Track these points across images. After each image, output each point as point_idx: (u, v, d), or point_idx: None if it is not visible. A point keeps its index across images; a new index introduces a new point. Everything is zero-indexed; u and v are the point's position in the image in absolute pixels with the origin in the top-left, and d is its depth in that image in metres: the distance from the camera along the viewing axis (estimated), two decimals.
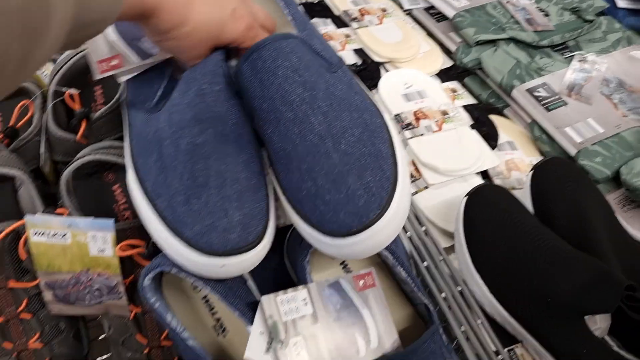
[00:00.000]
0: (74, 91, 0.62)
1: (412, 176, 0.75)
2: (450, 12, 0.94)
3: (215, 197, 0.45)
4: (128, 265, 0.55)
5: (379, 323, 0.51)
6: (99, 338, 0.64)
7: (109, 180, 0.62)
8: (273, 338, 0.48)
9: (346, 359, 0.49)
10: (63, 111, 0.65)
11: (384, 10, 0.97)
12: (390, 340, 0.51)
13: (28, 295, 0.56)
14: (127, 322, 0.57)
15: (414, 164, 0.76)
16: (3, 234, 0.53)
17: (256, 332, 0.49)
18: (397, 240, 0.55)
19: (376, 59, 0.89)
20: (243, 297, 0.51)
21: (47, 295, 0.56)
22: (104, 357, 0.64)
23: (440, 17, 0.97)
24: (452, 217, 0.69)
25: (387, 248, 0.53)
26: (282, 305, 0.49)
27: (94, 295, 0.56)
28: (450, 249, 0.69)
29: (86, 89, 0.67)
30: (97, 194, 0.61)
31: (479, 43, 0.89)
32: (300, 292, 0.50)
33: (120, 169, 0.62)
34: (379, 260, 0.57)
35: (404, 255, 0.54)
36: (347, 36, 0.92)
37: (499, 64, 0.85)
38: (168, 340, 0.58)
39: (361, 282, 0.52)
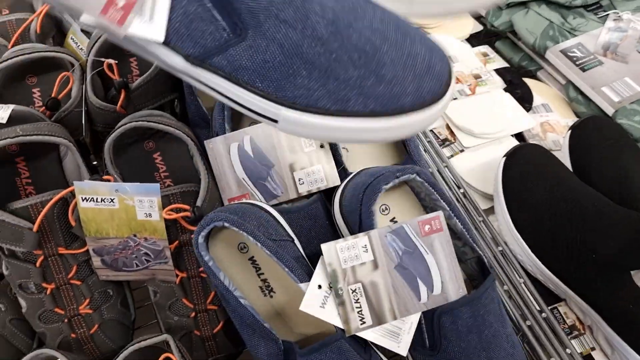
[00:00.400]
0: (112, 61, 0.62)
1: (446, 140, 0.74)
2: None
3: (396, 60, 0.35)
4: (173, 231, 0.56)
5: (444, 269, 0.51)
6: (145, 305, 0.65)
7: (149, 149, 0.63)
8: (331, 286, 0.49)
9: (405, 304, 0.50)
10: (100, 83, 0.66)
11: None
12: (454, 286, 0.51)
13: (77, 262, 0.57)
14: (173, 287, 0.58)
15: (448, 127, 0.75)
16: (52, 201, 0.53)
17: (314, 285, 0.49)
18: (447, 196, 0.55)
19: None
20: (291, 254, 0.52)
21: (96, 262, 0.57)
22: (150, 323, 0.65)
23: None
24: (490, 179, 0.69)
25: (443, 199, 0.54)
26: (342, 252, 0.49)
27: (141, 261, 0.56)
28: (489, 211, 0.69)
29: (122, 61, 0.67)
30: (139, 162, 0.62)
31: (509, 5, 0.88)
32: (361, 239, 0.50)
33: (161, 137, 0.62)
34: None
35: (458, 209, 0.54)
36: None
37: (531, 26, 0.84)
38: (214, 304, 0.59)
39: (427, 227, 0.52)
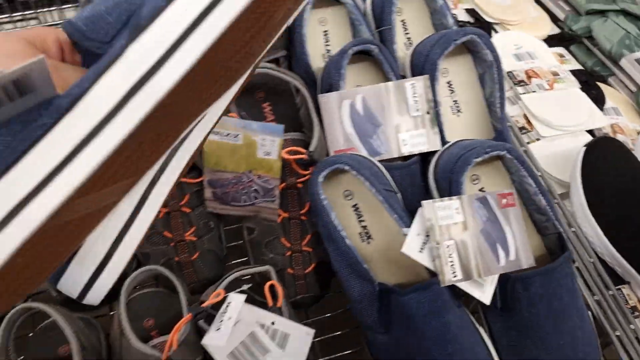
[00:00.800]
0: None
1: (523, 128, 0.79)
2: None
3: None
4: (282, 173, 0.60)
5: (517, 240, 0.56)
6: (233, 244, 0.70)
7: (259, 98, 0.67)
8: (429, 238, 0.54)
9: (487, 265, 0.54)
10: None
11: None
12: (525, 256, 0.56)
13: (190, 191, 0.61)
14: (273, 226, 0.63)
15: (525, 117, 0.80)
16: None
17: (414, 232, 0.54)
18: (534, 174, 0.59)
19: (487, 19, 0.93)
20: (396, 204, 0.56)
21: (207, 193, 0.61)
22: (234, 262, 0.70)
23: None
24: (563, 168, 0.73)
25: (531, 176, 0.58)
26: (439, 210, 0.54)
27: (249, 197, 0.61)
28: (563, 196, 0.73)
29: None
30: (251, 109, 0.66)
31: (588, 12, 0.93)
32: (454, 202, 0.55)
33: (270, 88, 0.67)
34: (518, 189, 0.61)
35: (543, 187, 0.59)
36: None
37: (609, 33, 0.88)
38: (308, 246, 0.63)
39: (504, 201, 0.56)
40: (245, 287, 0.55)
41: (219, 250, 0.66)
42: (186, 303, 0.57)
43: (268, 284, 0.56)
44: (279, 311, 0.55)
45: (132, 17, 0.33)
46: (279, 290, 0.56)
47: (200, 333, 0.55)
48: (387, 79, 0.65)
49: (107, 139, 0.31)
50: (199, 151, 0.40)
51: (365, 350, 0.64)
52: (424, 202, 0.54)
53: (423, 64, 0.64)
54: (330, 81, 0.63)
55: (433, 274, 0.58)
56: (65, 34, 0.35)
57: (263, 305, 0.56)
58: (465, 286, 0.55)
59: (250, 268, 0.59)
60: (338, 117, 0.62)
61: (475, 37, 0.63)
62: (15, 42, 0.33)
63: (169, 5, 0.31)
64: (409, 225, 0.55)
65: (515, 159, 0.58)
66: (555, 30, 0.96)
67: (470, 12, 0.94)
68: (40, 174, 0.29)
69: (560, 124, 0.77)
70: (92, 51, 0.33)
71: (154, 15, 0.31)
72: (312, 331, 0.53)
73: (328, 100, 0.62)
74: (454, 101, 0.68)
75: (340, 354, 0.64)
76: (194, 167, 0.61)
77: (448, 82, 0.68)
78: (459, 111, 0.68)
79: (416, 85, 0.62)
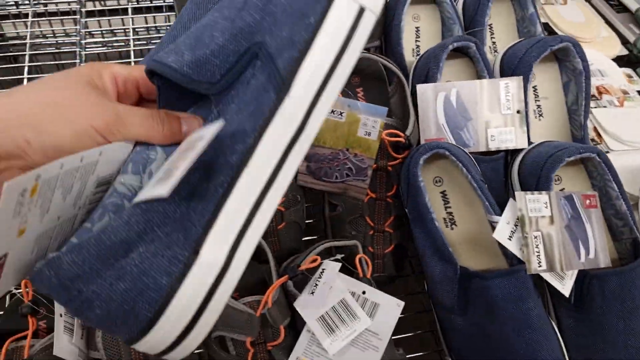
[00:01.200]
0: None
1: (593, 140, 0.82)
2: (633, 6, 1.01)
3: None
4: (380, 153, 0.63)
5: (597, 239, 0.59)
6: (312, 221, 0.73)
7: (355, 82, 0.71)
8: (518, 228, 0.56)
9: (569, 259, 0.57)
10: None
11: None
12: (603, 256, 0.59)
13: None
14: (359, 204, 0.66)
15: (595, 130, 0.83)
16: None
17: (504, 220, 0.57)
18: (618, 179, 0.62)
19: (559, 34, 0.96)
20: (487, 193, 0.59)
21: (302, 166, 0.64)
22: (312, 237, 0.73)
23: (620, 8, 1.04)
24: (633, 181, 0.76)
25: (615, 181, 0.61)
26: (530, 203, 0.57)
27: (341, 174, 0.64)
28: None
29: None
30: (345, 91, 0.70)
31: None
32: (544, 196, 0.58)
33: (366, 75, 0.70)
34: (598, 193, 0.64)
35: (625, 192, 0.61)
36: None
37: None
38: (390, 228, 0.66)
39: (587, 201, 0.59)
40: (339, 256, 0.58)
41: (302, 224, 0.69)
42: (275, 267, 0.60)
43: (358, 256, 0.59)
44: (368, 282, 0.58)
45: (252, 61, 0.37)
46: (369, 262, 0.59)
47: (288, 297, 0.58)
48: (479, 77, 0.68)
49: (279, 185, 0.36)
50: None
51: (426, 334, 0.67)
52: (517, 193, 0.57)
53: (516, 65, 0.67)
54: (426, 73, 0.66)
55: (512, 264, 0.61)
56: (138, 71, 0.38)
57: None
58: (548, 277, 0.58)
59: (338, 241, 0.62)
60: (433, 107, 0.65)
61: (570, 45, 0.66)
62: (76, 86, 0.34)
63: (306, 57, 0.35)
64: (497, 214, 0.58)
65: (604, 162, 0.60)
66: (624, 52, 0.98)
67: (544, 25, 0.97)
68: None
69: (630, 139, 0.80)
70: (179, 88, 0.37)
71: (294, 69, 0.35)
72: (402, 303, 0.56)
73: (425, 90, 0.65)
74: (537, 105, 0.71)
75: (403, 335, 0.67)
76: None
77: (534, 87, 0.71)
78: (540, 115, 0.71)
79: (510, 85, 0.65)
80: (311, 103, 0.36)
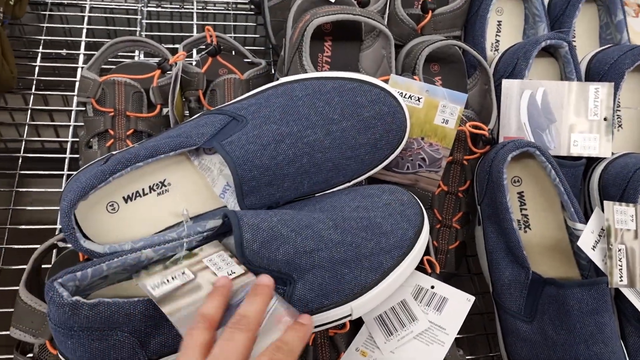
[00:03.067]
0: None
1: None
2: None
3: None
4: (452, 147, 0.61)
5: None
6: None
7: (433, 70, 0.68)
8: (601, 239, 0.54)
9: None
10: None
11: (639, 5, 1.01)
12: None
13: None
14: (429, 196, 0.63)
15: None
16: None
17: (589, 229, 0.55)
18: None
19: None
20: (573, 198, 0.57)
21: None
22: None
23: None
24: None
25: None
26: (617, 214, 0.54)
27: (414, 165, 0.62)
28: None
29: None
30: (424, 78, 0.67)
31: None
32: (631, 209, 0.55)
33: (446, 63, 0.67)
34: None
35: None
36: None
37: None
38: (458, 223, 0.64)
39: None
40: None
41: None
42: None
43: (426, 258, 0.57)
44: (437, 277, 0.55)
45: None
46: (436, 264, 0.56)
47: None
48: (566, 78, 0.65)
49: None
50: None
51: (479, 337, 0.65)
52: (605, 202, 0.55)
53: (606, 71, 0.65)
54: (513, 68, 0.64)
55: (584, 275, 0.58)
56: None
57: None
58: (627, 292, 0.55)
59: None
60: (516, 104, 0.63)
61: None
62: None
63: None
64: (581, 222, 0.56)
65: None
66: None
67: None
68: None
69: None
70: None
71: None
72: (472, 298, 0.54)
73: (511, 86, 0.62)
74: (617, 115, 0.69)
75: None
76: None
77: (618, 95, 0.68)
78: (620, 126, 0.69)
79: (600, 91, 0.62)
80: None
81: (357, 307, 0.47)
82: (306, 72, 0.55)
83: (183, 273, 0.42)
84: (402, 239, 0.49)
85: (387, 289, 0.48)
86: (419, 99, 0.58)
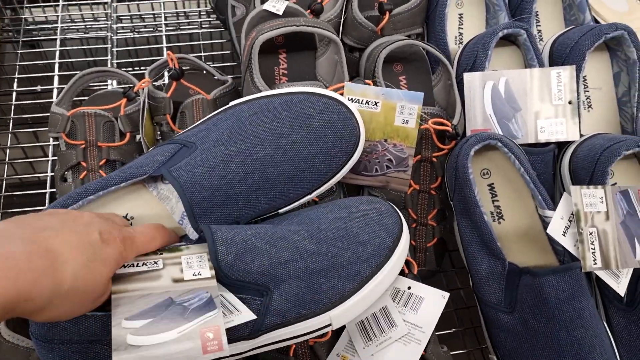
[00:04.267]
0: None
1: None
2: None
3: None
4: (419, 145, 0.61)
5: None
6: None
7: (397, 70, 0.68)
8: (572, 223, 0.54)
9: (625, 257, 0.55)
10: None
11: None
12: None
13: None
14: (401, 196, 0.63)
15: None
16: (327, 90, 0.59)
17: (558, 215, 0.55)
18: None
19: (602, 23, 0.93)
20: (540, 186, 0.57)
21: None
22: None
23: None
24: None
25: None
26: (585, 197, 0.54)
27: (381, 166, 0.62)
28: None
29: None
30: (388, 79, 0.67)
31: None
32: (599, 191, 0.55)
33: (408, 64, 0.68)
34: None
35: None
36: None
37: None
38: (433, 220, 0.64)
39: None
40: None
41: None
42: None
43: None
44: (414, 278, 0.56)
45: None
46: (414, 263, 0.57)
47: None
48: (528, 66, 0.65)
49: None
50: None
51: (468, 331, 0.65)
52: (572, 187, 0.55)
53: (567, 54, 0.64)
54: (473, 61, 0.64)
55: (561, 260, 0.58)
56: None
57: None
58: (603, 275, 0.55)
59: None
60: (480, 96, 0.63)
61: (625, 33, 0.63)
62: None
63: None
64: (550, 209, 0.56)
65: None
66: None
67: None
68: None
69: None
70: None
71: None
72: (446, 294, 0.54)
73: (472, 79, 0.63)
74: (586, 97, 0.68)
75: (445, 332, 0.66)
76: None
77: (583, 77, 0.68)
78: (589, 107, 0.68)
79: (562, 75, 0.62)
80: (262, 346, 0.47)
81: (336, 317, 0.47)
82: (258, 89, 0.56)
83: (155, 262, 0.43)
84: (380, 247, 0.49)
85: (366, 297, 0.48)
86: (376, 104, 0.58)
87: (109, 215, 0.44)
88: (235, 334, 0.43)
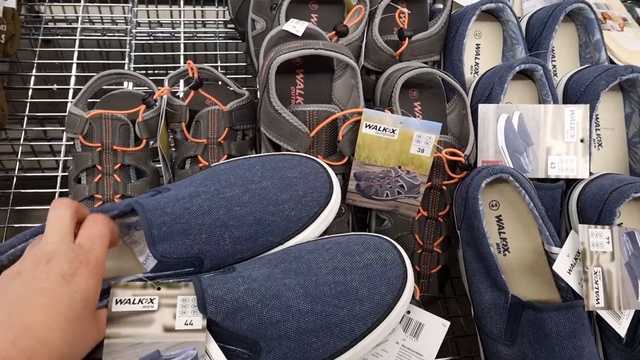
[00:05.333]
0: (406, 11, 0.69)
1: None
2: None
3: None
4: (431, 173, 0.62)
5: None
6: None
7: (412, 96, 0.69)
8: (577, 262, 0.55)
9: (627, 298, 0.55)
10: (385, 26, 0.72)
11: (624, 19, 1.01)
12: None
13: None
14: (409, 222, 0.64)
15: None
16: (338, 115, 0.59)
17: (564, 253, 0.55)
18: None
19: (616, 62, 0.94)
20: (548, 222, 0.58)
21: (351, 185, 0.63)
22: None
23: None
24: None
25: None
26: (592, 237, 0.55)
27: (392, 192, 0.63)
28: None
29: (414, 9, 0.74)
30: (403, 105, 0.68)
31: None
32: (606, 231, 0.56)
33: (424, 88, 0.68)
34: None
35: None
36: None
37: None
38: (439, 248, 0.65)
39: None
40: None
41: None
42: None
43: None
44: (416, 303, 0.56)
45: None
46: (417, 288, 0.57)
47: None
48: (542, 101, 0.66)
49: None
50: None
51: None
52: (580, 226, 0.55)
53: (582, 92, 0.65)
54: (489, 93, 0.65)
55: (564, 297, 0.59)
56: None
57: None
58: (605, 314, 0.56)
59: None
60: (493, 129, 0.63)
61: None
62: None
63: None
64: (557, 245, 0.57)
65: None
66: None
67: None
68: None
69: None
70: None
71: None
72: (447, 323, 0.55)
73: (487, 110, 0.63)
74: (597, 135, 0.69)
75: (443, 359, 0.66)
76: (334, 151, 0.62)
77: (596, 115, 0.69)
78: (599, 145, 0.69)
79: (576, 113, 0.63)
80: None
81: None
82: (275, 109, 0.57)
83: (152, 300, 0.42)
84: (379, 304, 0.48)
85: (358, 353, 0.48)
86: (393, 131, 0.59)
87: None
88: None
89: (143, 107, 0.66)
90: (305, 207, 0.51)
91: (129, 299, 0.42)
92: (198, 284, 0.43)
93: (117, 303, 0.41)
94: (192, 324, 0.42)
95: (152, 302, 0.42)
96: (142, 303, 0.42)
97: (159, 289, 0.43)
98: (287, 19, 0.66)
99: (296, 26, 0.61)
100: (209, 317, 0.42)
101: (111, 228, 0.44)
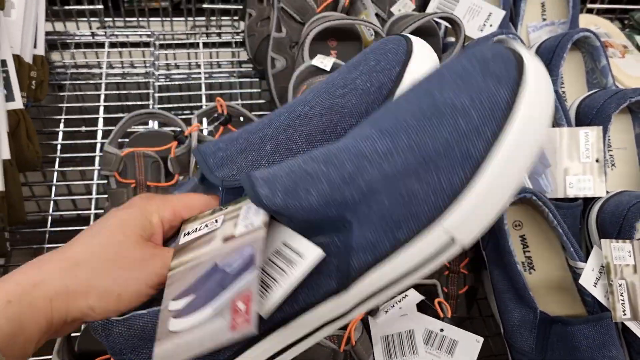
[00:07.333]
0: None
1: None
2: None
3: None
4: None
5: None
6: None
7: None
8: (603, 275, 0.57)
9: None
10: None
11: (625, 47, 1.06)
12: None
13: None
14: None
15: None
16: None
17: (589, 267, 0.57)
18: None
19: (620, 87, 0.98)
20: (572, 239, 0.60)
21: None
22: None
23: None
24: None
25: None
26: (614, 250, 0.57)
27: None
28: None
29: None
30: None
31: None
32: (627, 245, 0.58)
33: None
34: None
35: None
36: None
37: None
38: (465, 269, 0.67)
39: None
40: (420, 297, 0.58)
41: None
42: None
43: (437, 300, 0.59)
44: (448, 321, 0.58)
45: (331, 235, 0.34)
46: (448, 307, 0.59)
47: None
48: (557, 125, 0.69)
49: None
50: None
51: None
52: (602, 240, 0.58)
53: (594, 115, 0.69)
54: None
55: (590, 311, 0.61)
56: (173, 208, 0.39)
57: None
58: (632, 325, 0.58)
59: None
60: None
61: None
62: (132, 241, 0.36)
63: (377, 266, 0.33)
64: (581, 261, 0.59)
65: None
66: None
67: None
68: None
69: None
70: None
71: (362, 272, 0.33)
72: (481, 339, 0.56)
73: None
74: (610, 155, 0.72)
75: None
76: None
77: (608, 137, 0.72)
78: (612, 165, 0.72)
79: (590, 135, 0.66)
80: (362, 300, 0.34)
81: (455, 226, 0.32)
82: None
83: (216, 221, 0.37)
84: (493, 103, 0.31)
85: (494, 189, 0.31)
86: None
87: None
88: (319, 291, 0.34)
89: (175, 143, 0.69)
90: (381, 74, 0.41)
91: (196, 228, 0.37)
92: (245, 176, 0.35)
93: (184, 236, 0.37)
94: (252, 225, 0.33)
95: (217, 222, 0.36)
96: (207, 227, 0.36)
97: (226, 208, 0.37)
98: (310, 56, 0.70)
99: (324, 61, 0.65)
100: (270, 207, 0.33)
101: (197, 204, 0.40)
